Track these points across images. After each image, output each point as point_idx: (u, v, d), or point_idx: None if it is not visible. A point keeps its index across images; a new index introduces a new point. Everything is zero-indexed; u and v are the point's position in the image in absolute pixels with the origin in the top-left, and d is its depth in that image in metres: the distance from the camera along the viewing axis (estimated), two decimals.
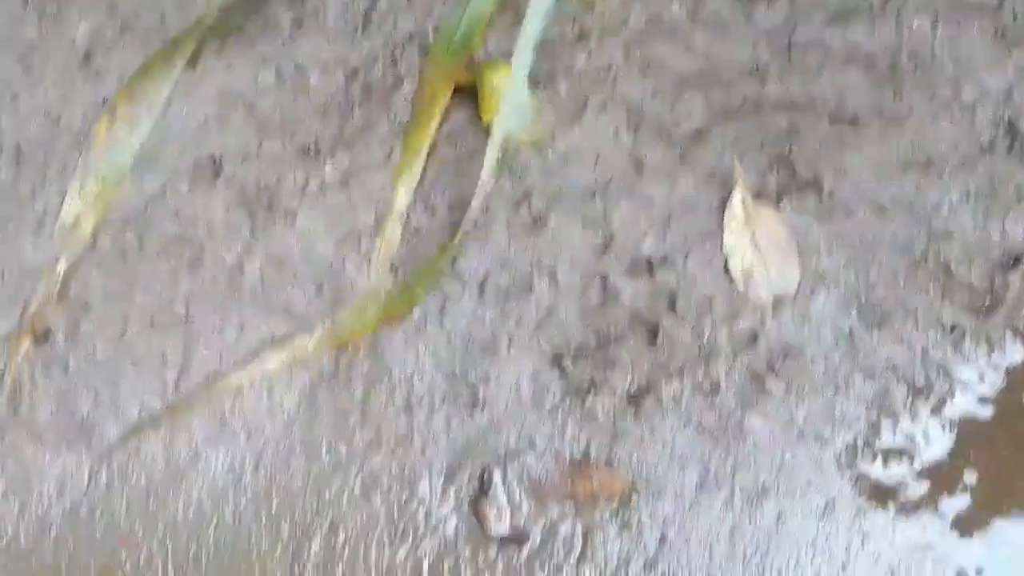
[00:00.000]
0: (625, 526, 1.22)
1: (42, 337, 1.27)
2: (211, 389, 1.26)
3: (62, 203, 1.31)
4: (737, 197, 1.32)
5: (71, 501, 1.23)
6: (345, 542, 1.23)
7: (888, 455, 1.24)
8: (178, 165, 1.33)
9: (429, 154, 1.33)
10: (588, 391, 1.26)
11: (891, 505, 1.23)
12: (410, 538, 1.23)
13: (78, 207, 1.30)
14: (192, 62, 1.35)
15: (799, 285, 1.29)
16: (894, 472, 1.24)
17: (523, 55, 1.19)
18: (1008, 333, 1.26)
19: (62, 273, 1.28)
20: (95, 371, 1.26)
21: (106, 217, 1.31)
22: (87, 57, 1.36)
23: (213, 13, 1.33)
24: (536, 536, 1.22)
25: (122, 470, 1.24)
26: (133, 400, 1.26)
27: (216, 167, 1.33)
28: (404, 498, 1.24)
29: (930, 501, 1.23)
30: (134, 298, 1.29)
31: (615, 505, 1.23)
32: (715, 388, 1.26)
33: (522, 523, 1.23)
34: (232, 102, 1.35)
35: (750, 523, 1.22)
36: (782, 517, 1.22)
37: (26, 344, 1.26)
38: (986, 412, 1.25)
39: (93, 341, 1.27)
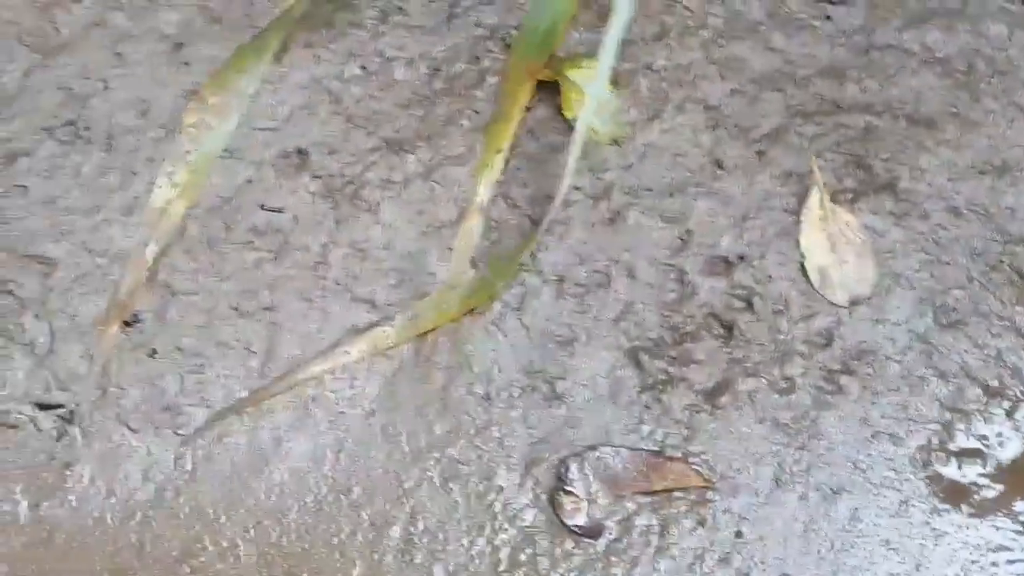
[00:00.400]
0: (701, 521, 1.24)
1: (130, 321, 1.29)
2: (294, 377, 1.27)
3: (151, 190, 1.33)
4: (814, 197, 1.33)
5: (156, 484, 1.25)
6: (424, 531, 1.24)
7: (962, 456, 1.25)
8: (265, 155, 1.35)
9: (511, 149, 1.34)
10: (665, 386, 1.28)
11: (965, 505, 1.24)
12: (488, 528, 1.24)
13: (167, 194, 1.32)
14: (280, 54, 1.36)
15: (874, 286, 1.30)
16: (968, 473, 1.25)
17: (608, 52, 1.20)
18: None
19: (151, 259, 1.30)
20: (181, 356, 1.28)
21: (194, 205, 1.32)
22: (177, 47, 1.37)
23: (301, 6, 1.34)
24: (612, 529, 1.24)
25: (206, 454, 1.26)
26: (218, 386, 1.28)
27: (302, 158, 1.35)
28: (482, 488, 1.25)
29: (1004, 502, 1.24)
30: (220, 285, 1.31)
31: (691, 500, 1.25)
32: (790, 386, 1.28)
33: (599, 516, 1.24)
34: (318, 94, 1.37)
35: (825, 520, 1.24)
36: (856, 515, 1.24)
37: (115, 328, 1.28)
38: None
39: (180, 327, 1.29)
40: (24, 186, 1.33)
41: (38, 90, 1.36)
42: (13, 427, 1.25)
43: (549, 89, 1.36)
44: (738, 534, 1.24)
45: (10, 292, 1.29)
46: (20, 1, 1.38)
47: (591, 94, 1.30)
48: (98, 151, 1.35)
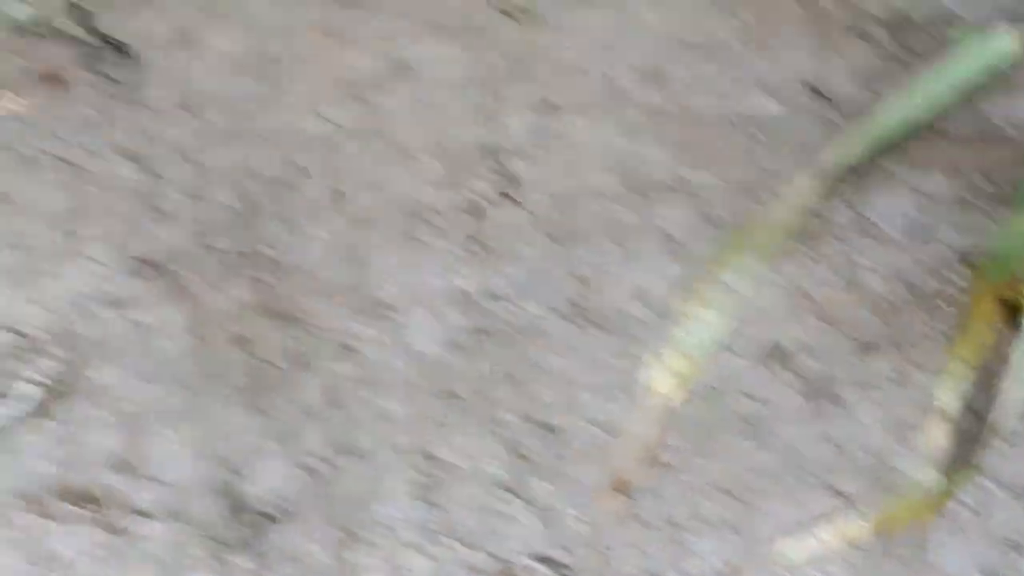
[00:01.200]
0: None
1: (625, 491, 1.42)
2: (770, 557, 1.38)
3: (649, 373, 1.46)
4: None
5: None
6: None
7: None
8: (749, 348, 1.48)
9: (975, 362, 1.44)
10: None
11: None
12: None
13: (663, 378, 1.45)
14: (765, 255, 1.50)
15: None
16: None
17: None
18: None
19: (646, 436, 1.43)
20: (668, 528, 1.40)
21: (687, 390, 1.46)
22: (675, 242, 1.53)
23: (791, 217, 1.48)
24: None
25: None
26: (700, 559, 1.39)
27: (781, 353, 1.48)
28: None
29: None
30: (707, 465, 1.43)
31: None
32: None
33: None
34: (798, 296, 1.50)
35: None
36: None
37: (611, 496, 1.41)
38: None
39: (669, 500, 1.41)
40: (537, 363, 1.49)
41: (552, 274, 1.53)
42: None
43: (1013, 310, 1.46)
44: None
45: (522, 455, 1.44)
46: (451, 205, 1.57)
47: None
48: (596, 332, 1.50)
